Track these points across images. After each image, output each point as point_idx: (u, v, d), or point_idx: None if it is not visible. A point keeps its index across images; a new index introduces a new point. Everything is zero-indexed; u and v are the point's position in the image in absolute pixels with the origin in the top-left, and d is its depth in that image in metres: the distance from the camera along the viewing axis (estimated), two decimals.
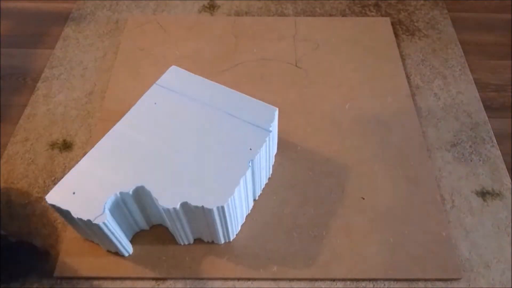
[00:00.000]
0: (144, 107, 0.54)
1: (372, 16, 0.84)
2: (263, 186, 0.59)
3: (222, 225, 0.49)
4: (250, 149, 0.49)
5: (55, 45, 0.79)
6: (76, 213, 0.44)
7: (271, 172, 0.60)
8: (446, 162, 0.63)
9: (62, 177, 0.46)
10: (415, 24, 0.83)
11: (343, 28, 0.81)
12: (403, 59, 0.76)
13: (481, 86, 0.73)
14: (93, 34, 0.81)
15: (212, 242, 0.54)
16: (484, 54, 0.80)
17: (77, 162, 0.48)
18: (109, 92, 0.70)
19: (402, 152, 0.63)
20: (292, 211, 0.57)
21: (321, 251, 0.53)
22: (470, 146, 0.65)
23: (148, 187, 0.46)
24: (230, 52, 0.76)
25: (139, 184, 0.47)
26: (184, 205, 0.46)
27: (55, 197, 0.45)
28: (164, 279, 0.52)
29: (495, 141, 0.66)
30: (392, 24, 0.82)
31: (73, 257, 0.53)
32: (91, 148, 0.50)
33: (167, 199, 0.45)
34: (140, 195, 0.48)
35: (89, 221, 0.44)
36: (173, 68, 0.58)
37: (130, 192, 0.47)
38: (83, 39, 0.80)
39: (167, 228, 0.53)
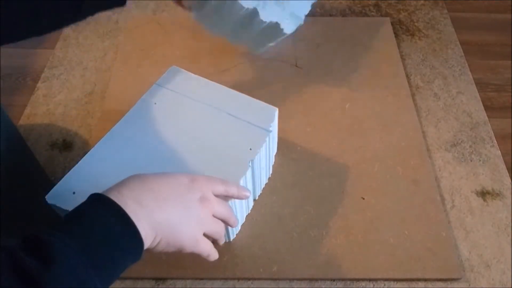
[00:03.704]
0: (144, 107, 0.54)
1: (372, 16, 0.84)
2: (263, 186, 0.59)
3: None
4: (250, 149, 0.49)
5: (55, 45, 0.79)
6: None
7: (271, 172, 0.60)
8: (446, 162, 0.63)
9: (62, 177, 0.46)
10: (415, 24, 0.83)
11: (343, 28, 0.81)
12: (403, 59, 0.76)
13: (481, 86, 0.73)
14: (93, 34, 0.81)
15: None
16: (484, 54, 0.80)
17: (77, 162, 0.48)
18: (109, 92, 0.70)
19: (402, 152, 0.63)
20: (292, 211, 0.57)
21: (321, 251, 0.53)
22: (470, 146, 0.65)
23: None
24: (230, 52, 0.76)
25: None
26: None
27: (55, 197, 0.45)
28: (164, 279, 0.52)
29: (495, 141, 0.66)
30: (392, 24, 0.82)
31: None
32: (91, 148, 0.49)
33: None
34: None
35: None
36: (173, 68, 0.58)
37: None
38: (83, 39, 0.80)
39: None
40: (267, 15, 0.58)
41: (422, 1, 0.87)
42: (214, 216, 0.43)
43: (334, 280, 0.52)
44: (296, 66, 0.74)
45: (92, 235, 0.34)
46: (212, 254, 0.45)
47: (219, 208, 0.43)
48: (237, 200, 0.48)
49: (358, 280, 0.52)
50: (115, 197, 0.36)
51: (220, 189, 0.44)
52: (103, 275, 0.34)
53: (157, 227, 0.37)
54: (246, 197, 0.47)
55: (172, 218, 0.39)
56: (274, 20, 0.58)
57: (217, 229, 0.44)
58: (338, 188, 0.59)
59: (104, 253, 0.34)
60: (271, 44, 0.66)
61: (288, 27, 0.61)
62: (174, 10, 0.85)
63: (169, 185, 0.40)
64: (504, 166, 0.63)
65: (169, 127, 0.52)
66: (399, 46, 0.78)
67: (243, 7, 0.56)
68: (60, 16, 0.44)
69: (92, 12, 0.45)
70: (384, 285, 0.52)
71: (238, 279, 0.52)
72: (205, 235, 0.43)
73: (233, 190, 0.45)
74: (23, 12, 0.42)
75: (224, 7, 0.57)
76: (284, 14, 0.61)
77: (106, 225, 0.34)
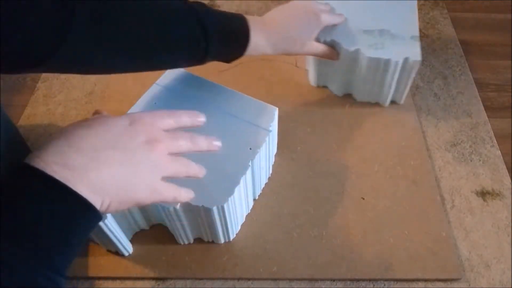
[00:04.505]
0: (144, 107, 0.54)
1: None
2: (263, 186, 0.59)
3: (222, 224, 0.49)
4: (250, 149, 0.49)
5: None
6: None
7: (271, 172, 0.60)
8: (446, 162, 0.63)
9: None
10: None
11: None
12: None
13: (481, 86, 0.73)
14: None
15: (212, 242, 0.54)
16: (484, 54, 0.80)
17: None
18: (109, 92, 0.70)
19: (402, 152, 0.63)
20: (292, 211, 0.57)
21: (321, 251, 0.53)
22: (470, 146, 0.65)
23: None
24: None
25: None
26: (184, 204, 0.46)
27: None
28: (164, 279, 0.52)
29: (495, 141, 0.66)
30: None
31: None
32: None
33: None
34: None
35: None
36: None
37: None
38: None
39: (167, 228, 0.53)
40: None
41: (422, 1, 0.87)
42: (172, 153, 0.38)
43: (334, 280, 0.52)
44: (296, 66, 0.74)
45: (32, 224, 0.29)
46: (180, 195, 0.39)
47: (176, 142, 0.38)
48: (237, 200, 0.48)
49: (358, 280, 0.52)
50: (38, 167, 0.31)
51: (169, 122, 0.39)
52: (56, 263, 0.30)
53: (100, 189, 0.32)
54: (201, 123, 0.41)
55: (116, 173, 0.33)
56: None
57: (179, 168, 0.38)
58: (338, 188, 0.59)
59: (51, 240, 0.30)
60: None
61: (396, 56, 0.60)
62: None
63: (102, 136, 0.34)
64: (504, 166, 0.63)
65: None
66: None
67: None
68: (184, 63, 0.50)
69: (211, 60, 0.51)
70: (384, 285, 0.52)
71: (238, 279, 0.52)
72: (168, 179, 0.38)
73: (184, 119, 0.40)
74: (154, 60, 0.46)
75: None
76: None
77: (42, 205, 0.30)
